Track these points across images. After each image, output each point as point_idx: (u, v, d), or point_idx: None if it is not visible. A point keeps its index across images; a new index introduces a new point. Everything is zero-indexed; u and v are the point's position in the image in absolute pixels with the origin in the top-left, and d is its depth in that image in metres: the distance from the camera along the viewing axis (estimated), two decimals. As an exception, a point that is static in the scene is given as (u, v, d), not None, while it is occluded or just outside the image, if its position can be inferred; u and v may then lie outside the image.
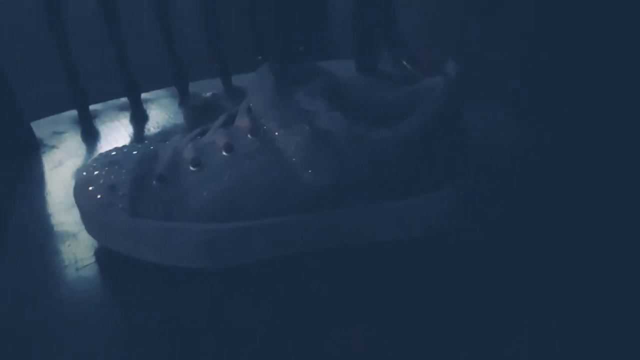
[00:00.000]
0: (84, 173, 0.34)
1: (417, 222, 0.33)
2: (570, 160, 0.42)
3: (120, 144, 0.50)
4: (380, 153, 0.31)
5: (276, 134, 0.31)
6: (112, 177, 0.33)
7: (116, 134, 0.52)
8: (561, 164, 0.42)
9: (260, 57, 0.61)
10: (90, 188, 0.33)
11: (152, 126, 0.54)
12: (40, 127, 0.52)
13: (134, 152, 0.34)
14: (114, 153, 0.34)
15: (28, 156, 0.47)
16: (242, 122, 0.32)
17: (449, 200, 0.33)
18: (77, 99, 0.53)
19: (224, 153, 0.32)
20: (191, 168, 0.32)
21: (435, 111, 0.31)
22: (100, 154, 0.35)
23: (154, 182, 0.32)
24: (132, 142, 0.51)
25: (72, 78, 0.52)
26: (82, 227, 0.36)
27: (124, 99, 0.58)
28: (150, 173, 0.33)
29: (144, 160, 0.33)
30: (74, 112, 0.55)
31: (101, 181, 0.33)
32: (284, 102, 0.31)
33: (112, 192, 0.32)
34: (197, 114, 0.56)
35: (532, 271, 0.32)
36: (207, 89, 0.60)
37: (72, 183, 0.43)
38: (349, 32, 0.61)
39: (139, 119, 0.55)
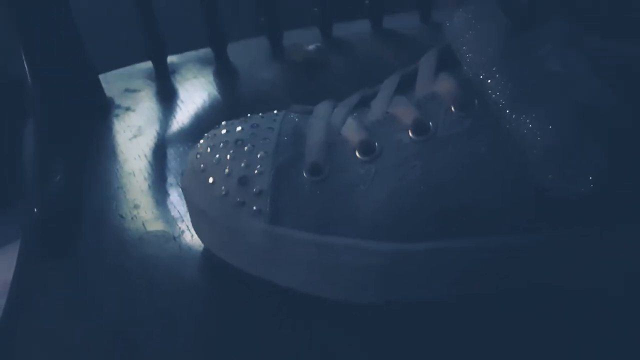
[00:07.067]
0: (197, 155, 0.24)
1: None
2: None
3: (208, 107, 0.40)
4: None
5: (506, 110, 0.20)
6: (243, 164, 0.22)
7: (201, 94, 0.41)
8: None
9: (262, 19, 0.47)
10: (211, 179, 0.22)
11: (244, 85, 0.43)
12: (109, 83, 0.42)
13: (268, 127, 0.23)
14: (239, 128, 0.24)
15: (99, 119, 0.37)
16: (443, 86, 0.21)
17: None
18: (153, 49, 0.43)
19: (412, 135, 0.21)
20: (359, 156, 0.22)
21: None
22: (217, 127, 0.25)
23: (305, 175, 0.22)
24: (220, 104, 0.40)
25: (148, 24, 0.41)
26: (186, 229, 0.26)
27: (205, 50, 0.47)
28: (299, 160, 0.22)
29: (286, 140, 0.23)
30: (147, 65, 0.44)
31: (226, 170, 0.22)
32: (524, 58, 0.20)
33: (244, 188, 0.22)
34: (298, 70, 0.45)
35: None
36: (301, 39, 0.49)
37: (161, 161, 0.34)
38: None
39: (225, 75, 0.44)
